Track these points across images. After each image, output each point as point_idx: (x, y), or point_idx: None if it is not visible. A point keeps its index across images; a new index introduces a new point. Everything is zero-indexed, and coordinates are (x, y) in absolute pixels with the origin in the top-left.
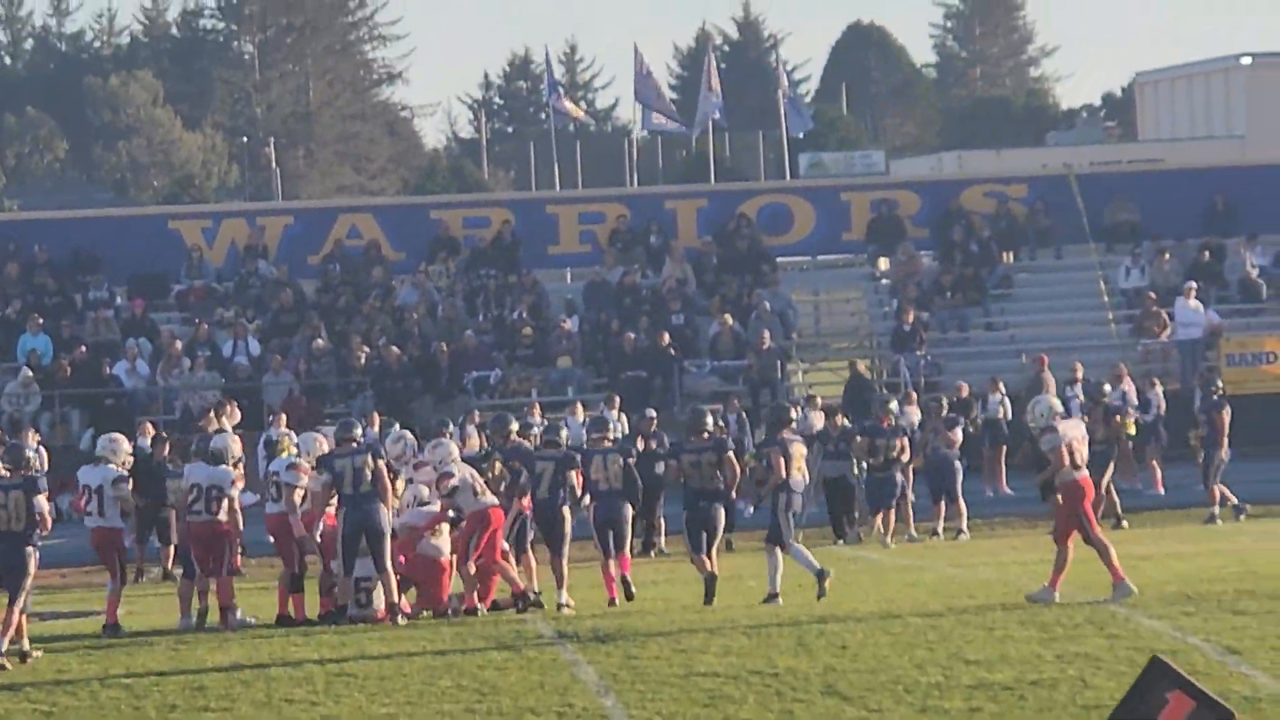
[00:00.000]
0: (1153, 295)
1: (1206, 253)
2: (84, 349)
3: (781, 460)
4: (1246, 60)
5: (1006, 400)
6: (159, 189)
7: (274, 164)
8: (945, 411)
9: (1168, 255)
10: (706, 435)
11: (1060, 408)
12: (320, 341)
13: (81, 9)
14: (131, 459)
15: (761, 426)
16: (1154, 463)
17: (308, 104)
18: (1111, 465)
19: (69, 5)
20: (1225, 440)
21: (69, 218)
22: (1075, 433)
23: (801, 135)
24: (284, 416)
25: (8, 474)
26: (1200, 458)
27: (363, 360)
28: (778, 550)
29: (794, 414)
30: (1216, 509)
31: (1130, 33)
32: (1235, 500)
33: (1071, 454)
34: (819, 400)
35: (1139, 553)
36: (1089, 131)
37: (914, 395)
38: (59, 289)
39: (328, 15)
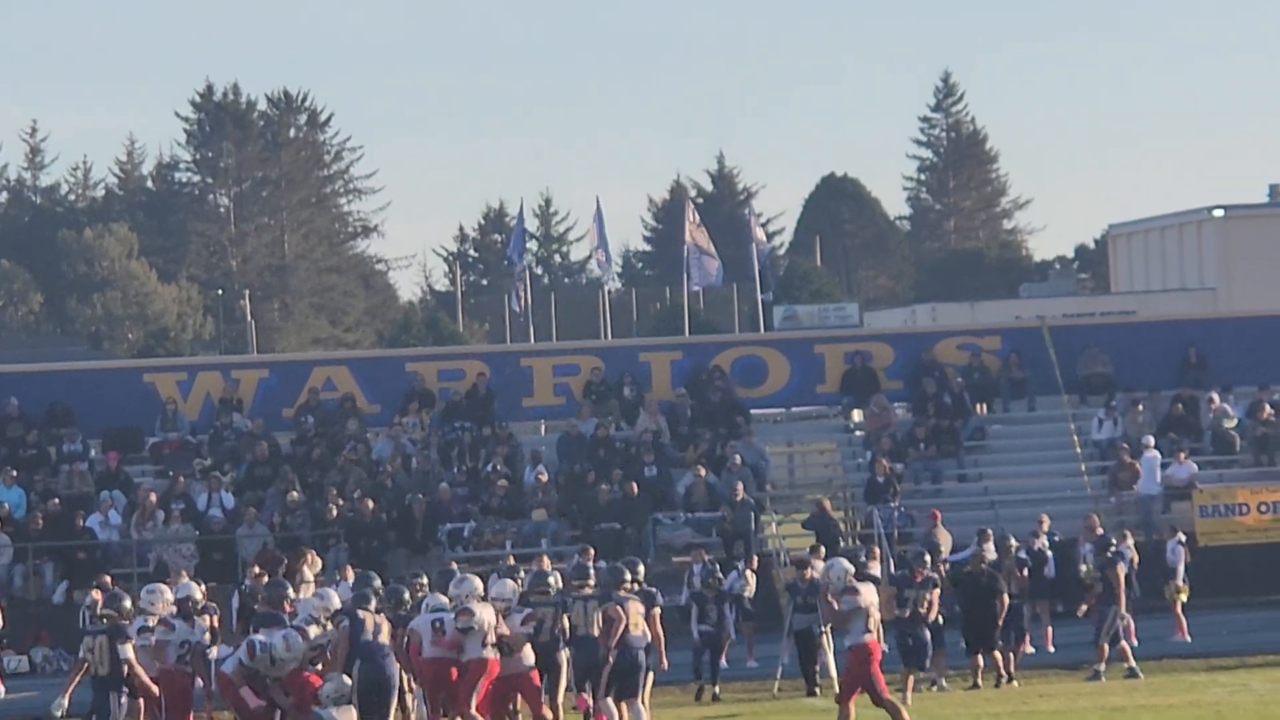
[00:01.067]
0: (1125, 447)
1: (1179, 405)
2: (58, 501)
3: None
4: (1218, 213)
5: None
6: (134, 342)
7: (249, 317)
8: (926, 570)
9: (1141, 407)
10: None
11: (851, 569)
12: (294, 494)
13: (56, 162)
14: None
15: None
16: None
17: (283, 257)
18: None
19: (44, 158)
20: (1121, 597)
21: (43, 370)
22: (871, 597)
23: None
24: (256, 569)
25: None
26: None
27: (337, 512)
28: None
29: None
30: (1103, 666)
31: (1102, 186)
32: (1132, 663)
33: (867, 617)
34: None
35: (1114, 704)
36: (1062, 283)
37: (876, 550)
38: (33, 442)
39: (303, 169)
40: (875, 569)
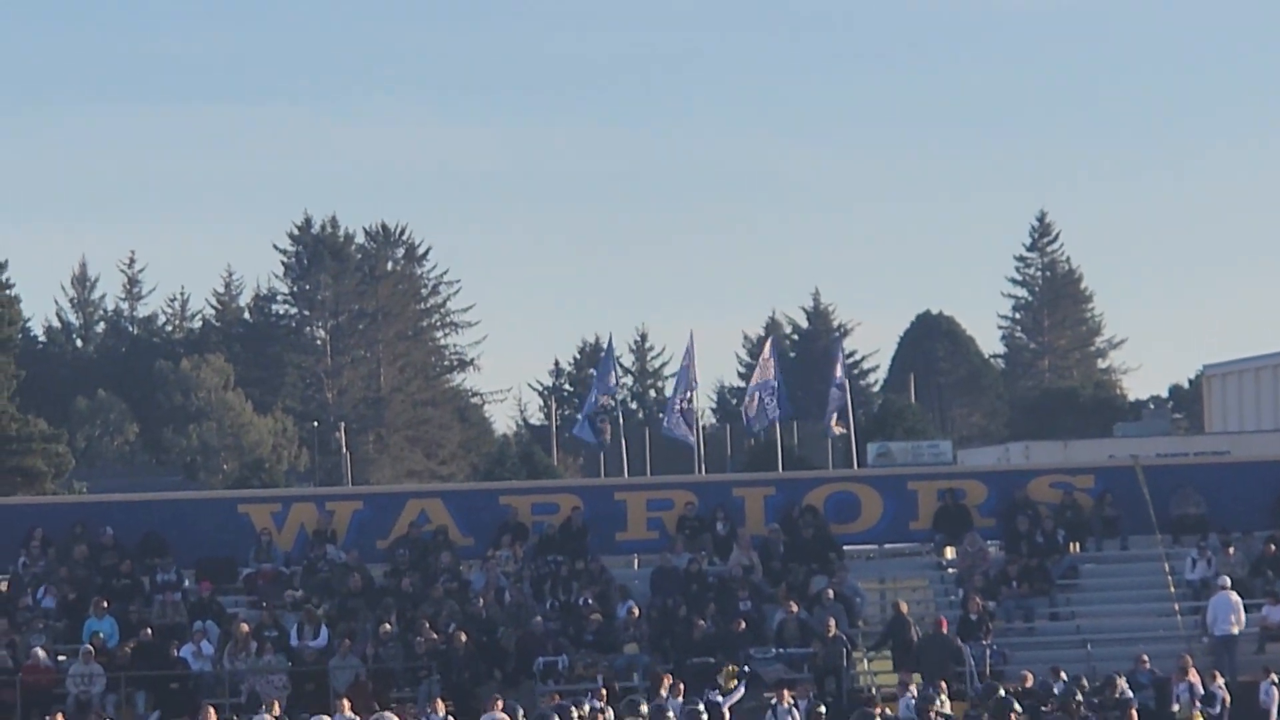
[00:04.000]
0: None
1: (1273, 545)
2: (150, 631)
3: None
4: None
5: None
6: (229, 473)
7: (344, 449)
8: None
9: (1233, 549)
10: None
11: None
12: (387, 626)
13: (154, 293)
14: None
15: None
16: None
17: (379, 390)
18: None
19: (141, 289)
20: None
21: (138, 500)
22: None
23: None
24: (347, 702)
25: None
26: None
27: (429, 645)
28: None
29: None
30: None
31: (1197, 326)
32: None
33: None
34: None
35: None
36: (1156, 423)
37: (944, 684)
38: (127, 571)
39: (400, 302)
40: (948, 707)
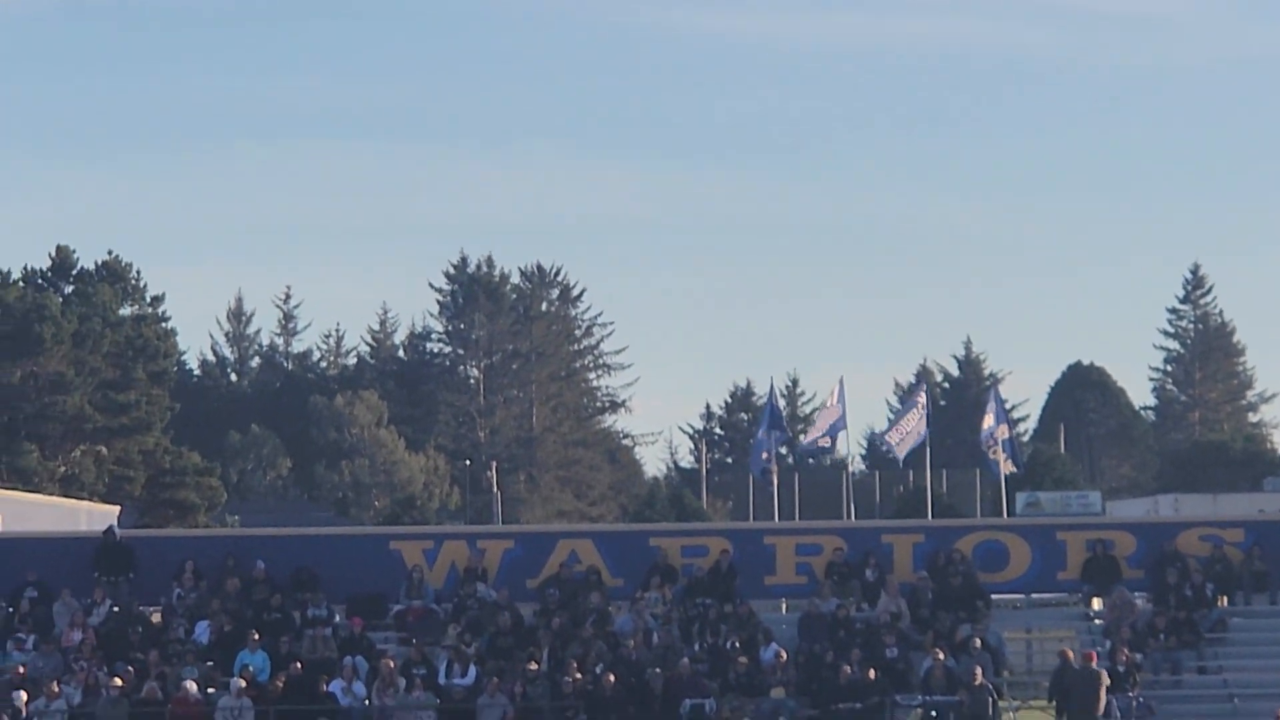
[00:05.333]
0: None
1: None
2: (300, 666)
3: None
4: None
5: None
6: (380, 509)
7: (495, 488)
8: None
9: None
10: None
11: None
12: (535, 665)
13: (309, 329)
14: None
15: None
16: None
17: (531, 429)
18: None
19: (296, 325)
20: None
21: (290, 535)
22: None
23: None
24: None
25: None
26: None
27: (577, 685)
28: None
29: None
30: None
31: None
32: None
33: None
34: None
35: None
36: None
37: None
38: (278, 606)
39: (554, 343)
40: None
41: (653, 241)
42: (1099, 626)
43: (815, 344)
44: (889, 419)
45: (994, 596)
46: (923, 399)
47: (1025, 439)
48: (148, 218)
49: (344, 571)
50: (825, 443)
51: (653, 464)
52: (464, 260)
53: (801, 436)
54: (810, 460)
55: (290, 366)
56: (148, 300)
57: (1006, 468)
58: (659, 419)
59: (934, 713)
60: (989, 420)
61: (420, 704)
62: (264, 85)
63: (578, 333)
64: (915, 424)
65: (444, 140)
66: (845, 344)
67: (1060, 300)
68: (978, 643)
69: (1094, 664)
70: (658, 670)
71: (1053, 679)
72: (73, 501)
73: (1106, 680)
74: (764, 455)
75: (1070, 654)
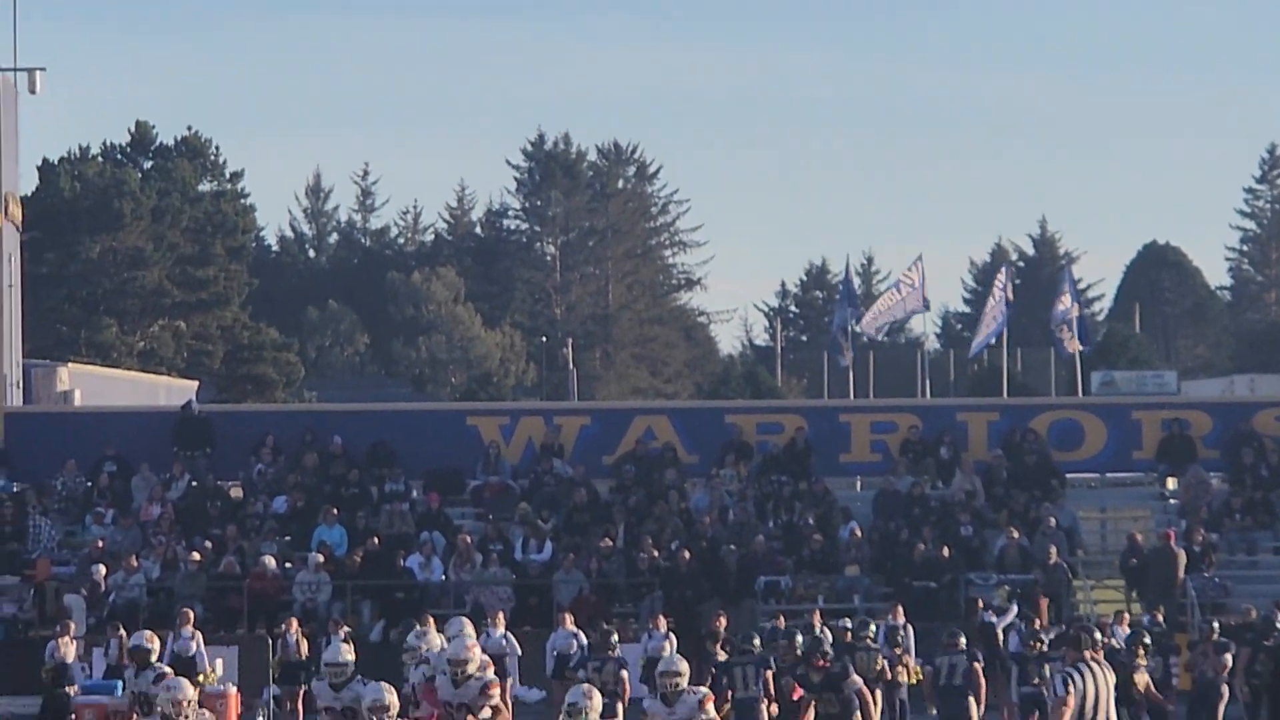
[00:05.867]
0: None
1: None
2: (378, 541)
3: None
4: None
5: None
6: (457, 385)
7: (571, 364)
8: (1216, 635)
9: None
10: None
11: None
12: (610, 541)
13: (387, 205)
14: None
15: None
16: None
17: (607, 307)
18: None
19: (374, 201)
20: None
21: (367, 410)
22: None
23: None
24: (569, 616)
25: None
26: None
27: (652, 561)
28: None
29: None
30: None
31: None
32: None
33: None
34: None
35: None
36: None
37: (1125, 616)
38: (355, 481)
39: (630, 220)
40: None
41: (729, 119)
42: (1174, 506)
43: (890, 222)
44: (964, 298)
45: (1069, 476)
46: (1001, 279)
47: (1100, 319)
48: (227, 93)
49: (421, 447)
50: (904, 311)
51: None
52: (541, 138)
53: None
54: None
55: (368, 243)
56: (227, 176)
57: (1072, 346)
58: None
59: (1018, 590)
60: (1065, 301)
61: (497, 579)
62: None
63: (654, 210)
64: (995, 312)
65: (523, 16)
66: (920, 222)
67: (1136, 179)
68: (1052, 522)
69: (1171, 543)
70: (733, 547)
71: (1123, 559)
72: (151, 376)
73: (1183, 559)
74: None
75: (1139, 536)
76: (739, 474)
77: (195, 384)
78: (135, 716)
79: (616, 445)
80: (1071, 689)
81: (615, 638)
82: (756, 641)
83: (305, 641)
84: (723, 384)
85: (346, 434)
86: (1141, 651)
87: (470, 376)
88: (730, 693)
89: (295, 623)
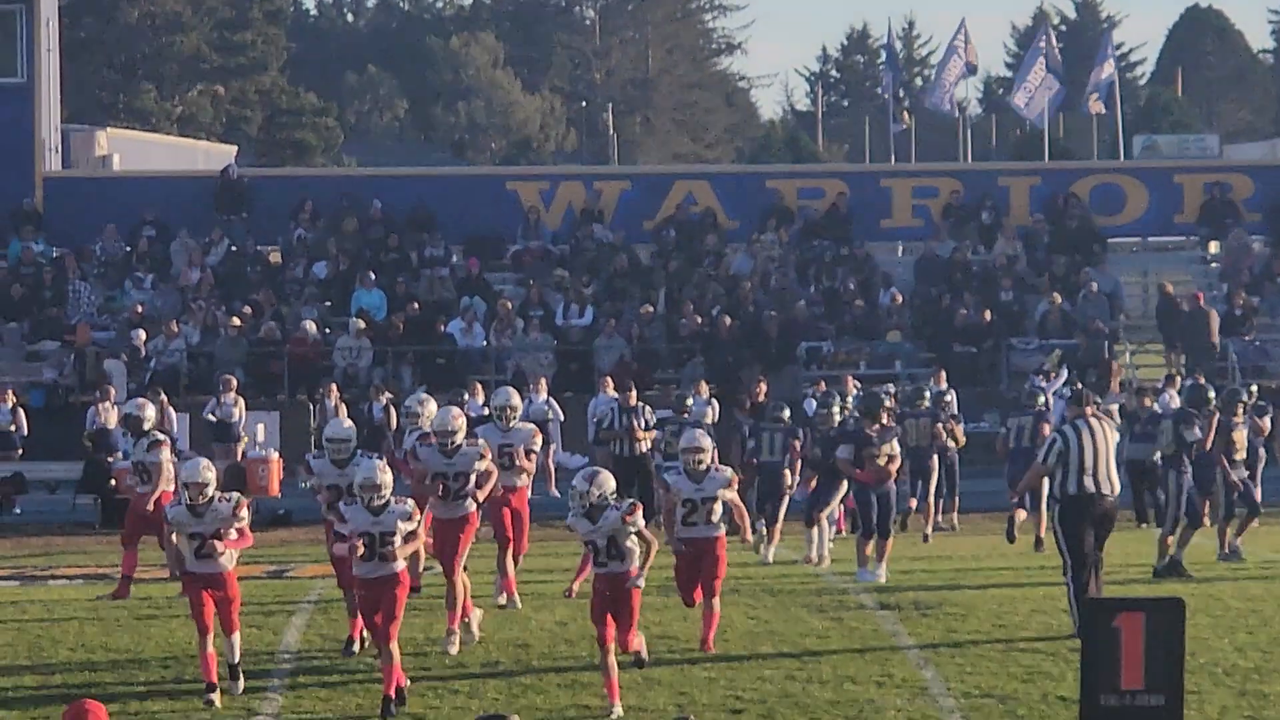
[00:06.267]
0: None
1: None
2: (418, 306)
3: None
4: None
5: None
6: (496, 151)
7: (611, 130)
8: (1255, 398)
9: None
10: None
11: None
12: (651, 307)
13: None
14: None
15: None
16: None
17: (646, 71)
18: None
19: None
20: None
21: (407, 175)
22: None
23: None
24: (610, 381)
25: None
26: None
27: (694, 327)
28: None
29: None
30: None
31: None
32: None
33: None
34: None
35: None
36: None
37: (1176, 379)
38: (395, 245)
39: None
40: (1173, 400)
41: None
42: (1216, 270)
43: None
44: (1006, 63)
45: (1110, 240)
46: (1045, 44)
47: (1142, 83)
48: None
49: (461, 212)
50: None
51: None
52: None
53: (919, 80)
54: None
55: (406, 7)
56: None
57: (1095, 107)
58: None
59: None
60: (1108, 68)
61: (538, 345)
62: None
63: None
64: (1042, 77)
65: None
66: None
67: None
68: (1094, 286)
69: (1201, 304)
70: (774, 313)
71: (1159, 313)
72: (190, 141)
73: (1215, 320)
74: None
75: (1170, 287)
76: (780, 239)
77: (234, 149)
78: (138, 484)
79: (657, 210)
80: (1070, 447)
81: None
82: (786, 413)
83: (345, 407)
84: (763, 149)
85: (386, 199)
86: (1240, 409)
87: (510, 142)
88: (755, 460)
89: (335, 388)
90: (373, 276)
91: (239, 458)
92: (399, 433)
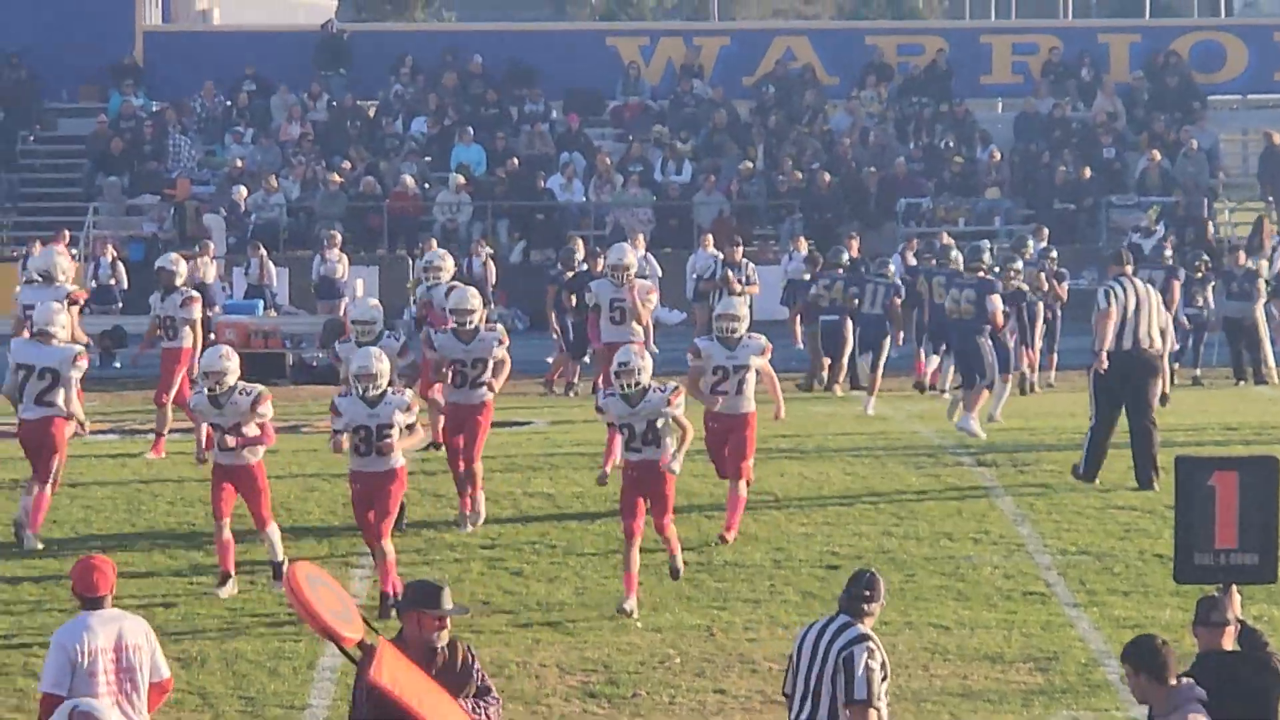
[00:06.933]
0: None
1: None
2: (517, 161)
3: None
4: None
5: None
6: (596, 7)
7: None
8: None
9: None
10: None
11: None
12: (750, 164)
13: None
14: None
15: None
16: None
17: None
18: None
19: None
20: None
21: (507, 30)
22: None
23: None
24: (710, 238)
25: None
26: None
27: (793, 184)
28: None
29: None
30: None
31: None
32: None
33: None
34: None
35: None
36: None
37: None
38: (494, 101)
39: None
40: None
41: None
42: None
43: None
44: None
45: (1210, 97)
46: None
47: None
48: None
49: (561, 67)
50: None
51: None
52: None
53: None
54: None
55: None
56: None
57: None
58: None
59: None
60: None
61: (637, 201)
62: None
63: None
64: None
65: None
66: None
67: None
68: (1194, 144)
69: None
70: (873, 169)
71: (1260, 163)
72: None
73: None
74: None
75: (1277, 137)
76: (879, 95)
77: (334, 3)
78: (164, 339)
79: (756, 66)
80: (1113, 301)
81: None
82: (890, 268)
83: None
84: (863, 5)
85: (486, 53)
86: None
87: None
88: (858, 303)
89: (434, 243)
90: (472, 132)
91: (341, 312)
92: (497, 286)
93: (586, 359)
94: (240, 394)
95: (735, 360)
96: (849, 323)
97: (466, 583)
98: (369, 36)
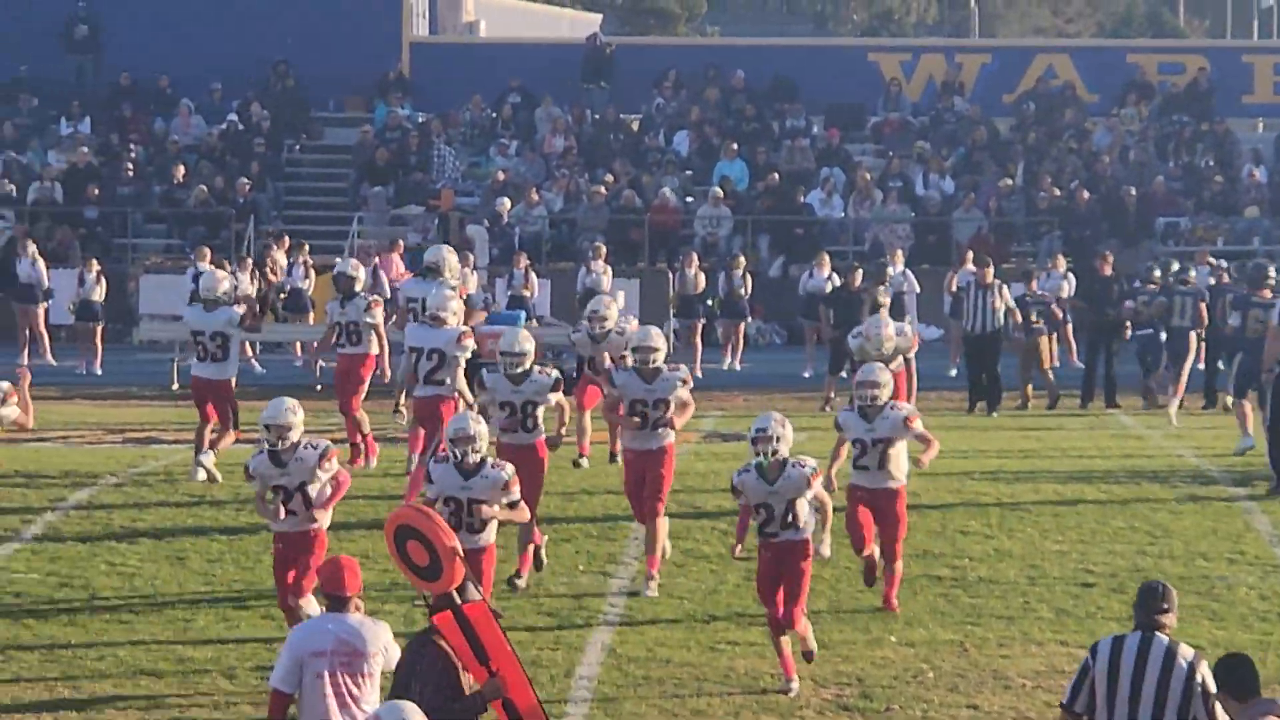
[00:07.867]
0: None
1: None
2: (778, 177)
3: None
4: None
5: None
6: (858, 22)
7: (973, 3)
8: None
9: None
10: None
11: None
12: (1009, 181)
13: None
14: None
15: None
16: None
17: None
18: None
19: None
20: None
21: (769, 45)
22: None
23: None
24: (970, 253)
25: None
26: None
27: (1052, 201)
28: None
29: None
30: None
31: None
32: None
33: None
34: None
35: None
36: None
37: None
38: (755, 115)
39: None
40: None
41: None
42: None
43: None
44: None
45: None
46: None
47: None
48: None
49: (822, 83)
50: None
51: None
52: None
53: None
54: None
55: None
56: None
57: None
58: None
59: None
60: None
61: (896, 217)
62: None
63: None
64: None
65: None
66: None
67: None
68: None
69: None
70: (1132, 190)
71: None
72: (556, 8)
73: None
74: None
75: None
76: (1140, 114)
77: (599, 17)
78: (347, 345)
79: (1017, 83)
80: None
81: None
82: (1192, 274)
83: (703, 275)
84: (1125, 23)
85: (748, 68)
86: None
87: (872, 13)
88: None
89: (695, 257)
90: (734, 146)
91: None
92: (752, 299)
93: (844, 374)
94: (306, 448)
95: (874, 434)
96: (1162, 335)
97: (722, 594)
98: (633, 50)
